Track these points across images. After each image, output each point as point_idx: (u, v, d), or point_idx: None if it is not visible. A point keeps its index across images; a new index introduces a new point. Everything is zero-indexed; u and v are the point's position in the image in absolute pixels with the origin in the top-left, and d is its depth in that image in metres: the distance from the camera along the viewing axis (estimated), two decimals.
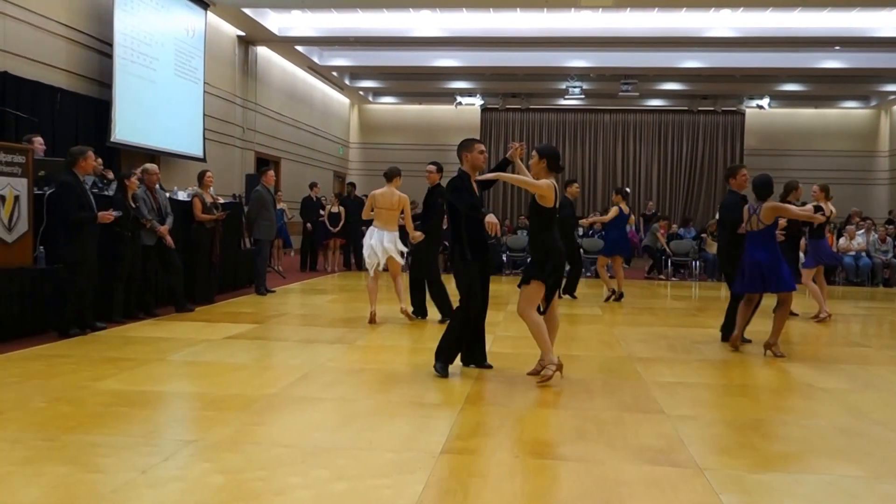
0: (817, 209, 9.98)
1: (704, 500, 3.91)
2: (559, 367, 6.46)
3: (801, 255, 11.65)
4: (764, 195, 7.96)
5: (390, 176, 9.58)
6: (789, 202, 9.95)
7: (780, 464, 4.56)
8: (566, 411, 5.61)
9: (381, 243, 9.38)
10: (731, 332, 8.46)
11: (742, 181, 8.68)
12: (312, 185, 18.27)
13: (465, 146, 6.90)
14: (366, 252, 9.59)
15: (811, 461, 4.63)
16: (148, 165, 10.32)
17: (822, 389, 6.65)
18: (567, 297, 12.82)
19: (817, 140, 27.21)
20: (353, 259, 18.34)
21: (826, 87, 24.60)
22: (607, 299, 13.02)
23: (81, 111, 12.86)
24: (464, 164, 6.84)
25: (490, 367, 6.98)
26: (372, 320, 9.59)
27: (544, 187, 6.41)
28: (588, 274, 18.45)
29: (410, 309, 9.97)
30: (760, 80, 24.25)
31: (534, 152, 6.66)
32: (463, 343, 6.87)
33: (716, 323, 10.29)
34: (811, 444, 4.93)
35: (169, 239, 9.98)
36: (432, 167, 9.82)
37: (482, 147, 6.96)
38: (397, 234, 9.56)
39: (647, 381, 6.69)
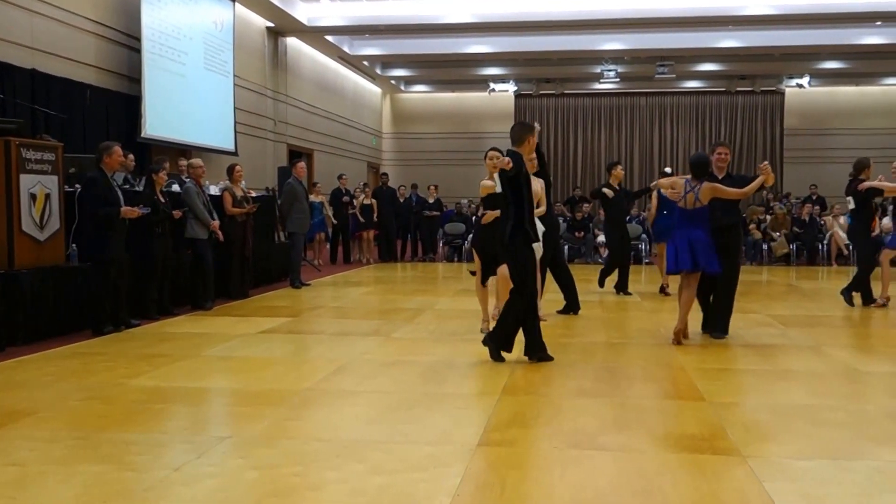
0: None
1: (748, 489, 3.81)
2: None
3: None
4: (701, 174, 7.34)
5: None
6: (861, 181, 9.68)
7: (826, 450, 4.43)
8: (605, 400, 5.51)
9: None
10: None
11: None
12: (340, 177, 18.18)
13: (531, 131, 6.68)
14: None
15: (859, 447, 4.49)
16: (193, 160, 10.42)
17: (868, 373, 6.52)
18: (622, 294, 11.63)
19: (860, 118, 26.56)
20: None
21: (868, 63, 23.99)
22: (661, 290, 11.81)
23: (111, 107, 12.82)
24: (524, 146, 6.57)
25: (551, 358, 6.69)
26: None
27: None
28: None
29: None
30: (800, 59, 23.70)
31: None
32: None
33: (758, 308, 10.15)
34: (858, 430, 4.79)
35: (220, 234, 10.19)
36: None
37: None
38: None
39: (688, 367, 6.54)
